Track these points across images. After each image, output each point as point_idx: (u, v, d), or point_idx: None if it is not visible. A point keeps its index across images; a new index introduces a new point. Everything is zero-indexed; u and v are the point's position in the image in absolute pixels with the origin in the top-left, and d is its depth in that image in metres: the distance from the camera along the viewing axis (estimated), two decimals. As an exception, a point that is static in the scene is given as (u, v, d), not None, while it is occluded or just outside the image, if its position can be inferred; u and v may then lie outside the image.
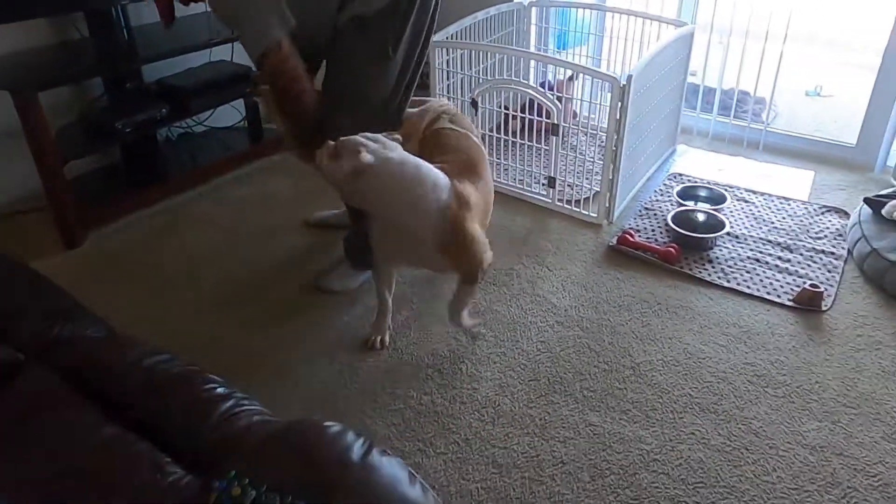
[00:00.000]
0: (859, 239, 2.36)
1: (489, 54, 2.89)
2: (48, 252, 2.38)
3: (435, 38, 2.76)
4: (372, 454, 0.87)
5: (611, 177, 2.54)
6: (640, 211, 2.70)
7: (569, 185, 2.73)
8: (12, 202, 2.68)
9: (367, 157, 1.59)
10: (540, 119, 2.62)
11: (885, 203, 2.37)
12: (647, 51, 2.56)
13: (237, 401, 1.16)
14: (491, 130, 2.82)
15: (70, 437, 1.07)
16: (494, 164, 2.84)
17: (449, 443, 1.68)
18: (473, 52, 2.81)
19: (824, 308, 2.13)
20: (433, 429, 1.73)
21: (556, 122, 2.53)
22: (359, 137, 1.65)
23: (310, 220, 2.63)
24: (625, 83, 2.36)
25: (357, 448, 0.87)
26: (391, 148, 1.67)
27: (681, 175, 2.96)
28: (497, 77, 2.87)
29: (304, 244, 2.51)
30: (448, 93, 2.86)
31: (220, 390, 1.18)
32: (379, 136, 1.69)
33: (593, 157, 2.81)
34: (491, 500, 1.53)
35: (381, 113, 1.95)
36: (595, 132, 2.95)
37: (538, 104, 2.60)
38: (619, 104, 2.40)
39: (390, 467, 0.85)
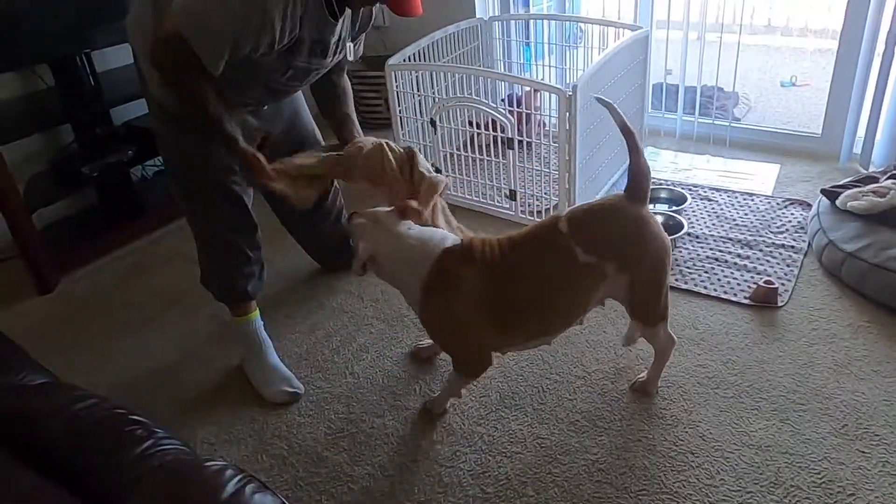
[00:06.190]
0: (818, 231, 2.35)
1: (447, 74, 2.93)
2: (20, 298, 2.45)
3: (390, 61, 2.81)
4: (244, 492, 0.90)
5: (567, 186, 2.56)
6: (603, 217, 2.70)
7: (532, 197, 2.75)
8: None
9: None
10: (496, 134, 2.65)
11: (841, 193, 2.36)
12: (596, 60, 2.58)
13: (155, 441, 1.19)
14: (458, 149, 2.85)
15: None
16: (459, 181, 2.88)
17: (397, 464, 1.71)
18: (429, 73, 2.85)
19: (780, 304, 2.13)
20: (383, 451, 1.75)
21: (510, 136, 2.56)
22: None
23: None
24: (570, 94, 2.38)
25: (231, 486, 0.90)
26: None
27: (646, 178, 2.96)
28: (458, 95, 2.91)
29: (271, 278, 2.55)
30: (408, 115, 2.90)
31: (139, 432, 1.21)
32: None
33: (558, 168, 2.82)
34: (434, 520, 1.55)
35: None
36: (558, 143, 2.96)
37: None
38: (568, 114, 2.42)
39: (260, 503, 0.89)
